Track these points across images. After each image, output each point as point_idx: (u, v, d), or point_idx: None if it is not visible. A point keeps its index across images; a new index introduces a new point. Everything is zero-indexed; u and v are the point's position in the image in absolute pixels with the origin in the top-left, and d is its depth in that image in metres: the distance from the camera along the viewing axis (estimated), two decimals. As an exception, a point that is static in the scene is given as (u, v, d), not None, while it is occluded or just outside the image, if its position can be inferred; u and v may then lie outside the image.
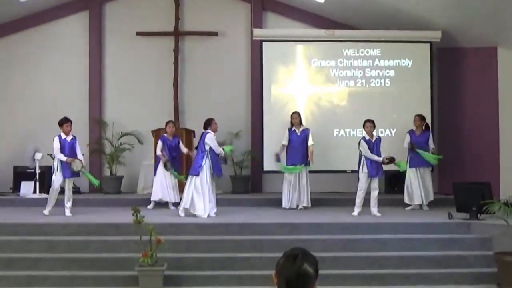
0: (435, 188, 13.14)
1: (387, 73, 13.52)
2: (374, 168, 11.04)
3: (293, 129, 12.07)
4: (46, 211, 10.80)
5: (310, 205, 11.93)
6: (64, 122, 11.05)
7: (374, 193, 11.00)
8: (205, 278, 8.60)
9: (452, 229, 9.77)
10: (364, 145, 11.08)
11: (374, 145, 11.11)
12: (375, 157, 11.01)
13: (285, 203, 11.94)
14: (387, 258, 9.04)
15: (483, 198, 9.67)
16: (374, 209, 10.95)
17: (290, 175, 11.94)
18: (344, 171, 13.00)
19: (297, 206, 11.92)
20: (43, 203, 11.67)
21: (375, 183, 11.04)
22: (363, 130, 11.41)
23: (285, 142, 12.03)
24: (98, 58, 14.52)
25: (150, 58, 14.53)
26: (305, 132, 12.07)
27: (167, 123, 12.18)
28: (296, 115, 12.13)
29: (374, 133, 11.33)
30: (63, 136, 10.99)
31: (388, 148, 12.82)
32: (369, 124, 11.24)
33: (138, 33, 14.46)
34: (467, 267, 8.93)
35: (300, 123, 12.13)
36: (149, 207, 11.79)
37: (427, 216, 10.70)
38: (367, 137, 11.19)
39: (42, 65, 14.47)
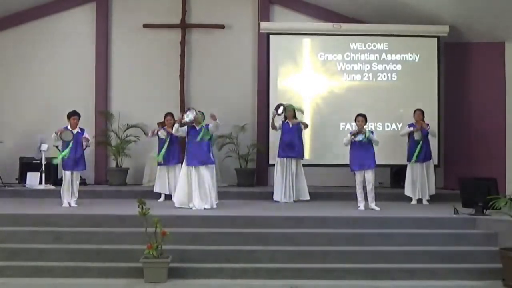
0: (440, 183, 13.11)
1: (394, 67, 13.48)
2: (357, 160, 11.02)
3: (286, 121, 12.15)
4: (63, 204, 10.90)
5: (309, 198, 11.99)
6: (72, 115, 11.12)
7: (368, 187, 11.00)
8: (209, 270, 8.58)
9: (457, 225, 9.73)
10: (348, 136, 11.16)
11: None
12: (346, 138, 11.12)
13: (277, 196, 12.00)
14: (392, 253, 9.00)
15: (489, 194, 9.62)
16: (371, 204, 10.96)
17: (282, 167, 12.00)
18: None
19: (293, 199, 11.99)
20: (48, 194, 11.71)
21: (368, 175, 11.00)
22: (355, 123, 11.36)
23: (278, 124, 12.18)
24: (104, 50, 14.50)
25: (157, 50, 14.50)
26: (298, 125, 12.17)
27: (167, 115, 12.19)
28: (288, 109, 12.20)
29: (366, 127, 11.23)
30: (69, 128, 11.04)
31: (393, 143, 12.83)
32: (361, 118, 11.17)
33: (144, 25, 14.44)
34: (472, 262, 8.88)
35: (294, 116, 12.19)
36: (160, 199, 11.91)
37: (433, 211, 10.65)
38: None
39: (48, 57, 14.45)
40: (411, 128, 11.95)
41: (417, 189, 11.92)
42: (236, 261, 8.77)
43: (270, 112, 12.93)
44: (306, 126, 12.42)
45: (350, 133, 11.24)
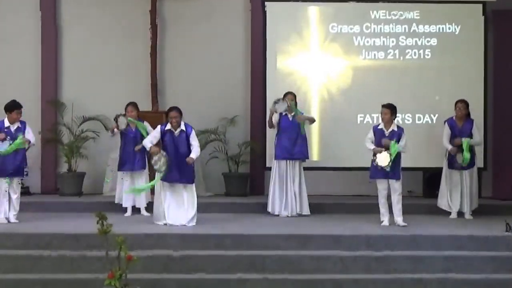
0: (487, 191, 13.11)
1: (428, 42, 13.53)
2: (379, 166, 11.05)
3: (285, 113, 12.16)
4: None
5: (309, 213, 12.09)
6: (14, 108, 10.99)
7: (394, 197, 11.02)
8: (189, 306, 8.58)
9: (510, 245, 9.72)
10: (369, 135, 11.18)
11: (386, 138, 11.03)
12: (369, 146, 11.12)
13: (274, 208, 12.12)
14: (425, 282, 8.99)
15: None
16: (398, 218, 10.98)
17: (279, 174, 12.10)
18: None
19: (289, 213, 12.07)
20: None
21: (394, 184, 11.02)
22: (380, 116, 11.38)
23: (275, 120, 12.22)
24: (53, 20, 14.45)
25: (121, 21, 14.46)
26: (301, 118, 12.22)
27: (127, 106, 12.13)
28: (291, 96, 12.22)
29: (396, 122, 11.22)
30: (6, 123, 10.99)
31: (426, 141, 12.79)
32: (386, 110, 11.15)
33: (105, -11, 14.46)
34: (529, 293, 8.91)
35: (295, 105, 12.25)
36: (126, 214, 11.95)
37: (479, 228, 10.66)
38: (380, 126, 11.17)
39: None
40: (450, 146, 11.86)
41: (464, 197, 11.89)
42: (223, 293, 8.75)
43: (267, 104, 13.03)
44: (312, 121, 12.48)
45: (373, 151, 11.14)
